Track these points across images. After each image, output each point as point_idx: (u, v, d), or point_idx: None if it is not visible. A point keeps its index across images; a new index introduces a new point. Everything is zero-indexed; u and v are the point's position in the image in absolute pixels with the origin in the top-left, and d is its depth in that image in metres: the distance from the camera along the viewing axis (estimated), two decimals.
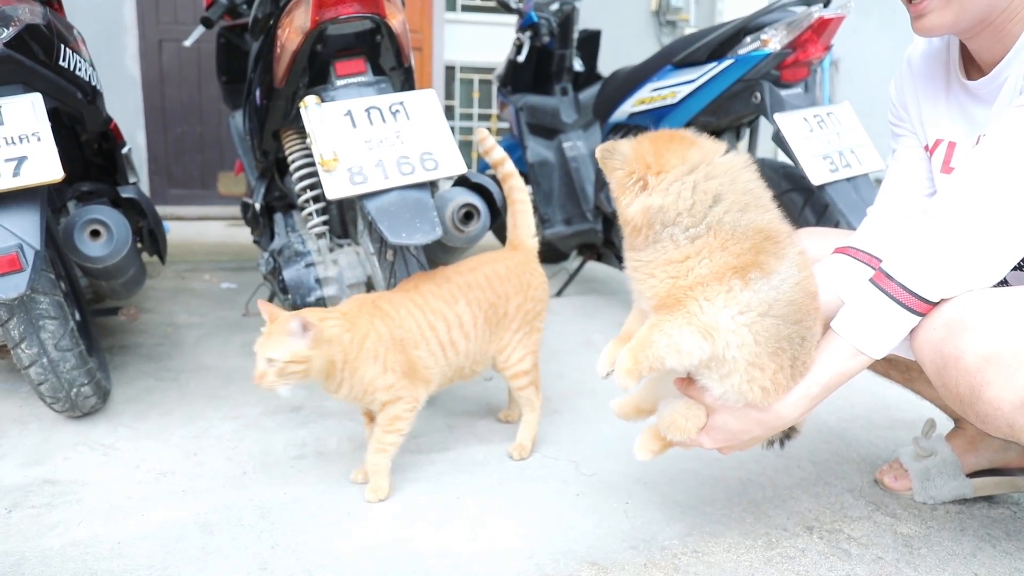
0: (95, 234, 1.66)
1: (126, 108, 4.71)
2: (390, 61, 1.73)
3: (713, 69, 2.10)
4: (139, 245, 2.04)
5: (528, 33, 2.89)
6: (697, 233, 0.97)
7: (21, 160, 1.39)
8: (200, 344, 2.37)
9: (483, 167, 3.55)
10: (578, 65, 3.09)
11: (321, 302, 1.91)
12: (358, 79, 1.65)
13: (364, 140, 1.52)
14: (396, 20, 1.63)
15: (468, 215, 1.67)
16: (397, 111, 1.58)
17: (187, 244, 4.13)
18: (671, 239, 0.98)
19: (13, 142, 1.40)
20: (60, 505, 1.40)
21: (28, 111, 1.45)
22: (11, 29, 1.48)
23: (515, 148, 3.23)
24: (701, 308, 0.97)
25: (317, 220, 1.92)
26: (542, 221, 3.04)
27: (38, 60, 1.57)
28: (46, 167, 1.40)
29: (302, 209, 1.94)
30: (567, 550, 1.25)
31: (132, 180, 2.20)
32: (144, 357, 2.23)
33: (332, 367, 1.32)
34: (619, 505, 1.41)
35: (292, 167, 1.88)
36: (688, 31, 5.31)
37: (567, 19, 2.92)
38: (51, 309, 1.54)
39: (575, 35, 2.98)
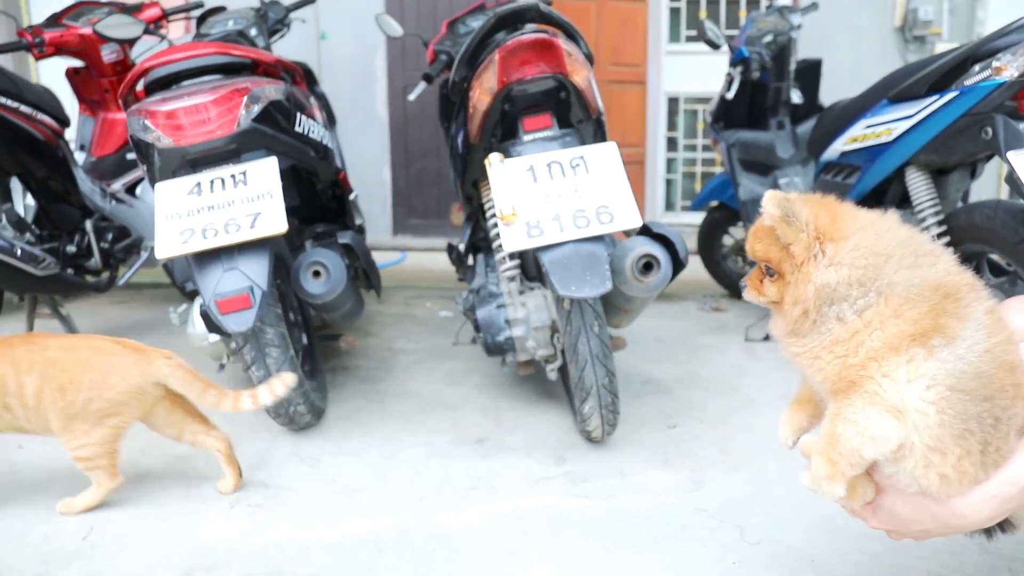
0: (316, 274, 1.93)
1: (375, 147, 5.32)
2: (578, 114, 1.81)
3: (934, 103, 1.90)
4: (356, 281, 2.31)
5: (739, 68, 2.82)
6: (867, 303, 0.87)
7: (257, 216, 1.68)
8: (410, 369, 2.62)
9: (699, 201, 3.51)
10: (796, 97, 2.95)
11: (509, 342, 2.03)
12: (544, 134, 1.76)
13: (544, 194, 1.62)
14: (580, 76, 1.70)
15: (648, 265, 1.69)
16: (577, 165, 1.65)
17: (418, 271, 4.54)
18: (837, 318, 0.88)
19: (252, 200, 1.70)
20: (269, 507, 1.65)
21: (267, 173, 1.75)
22: (258, 106, 1.79)
23: (728, 185, 3.15)
24: (881, 386, 0.85)
25: (509, 264, 2.05)
26: None
27: (279, 129, 1.88)
28: (275, 222, 1.68)
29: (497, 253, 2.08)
30: None
31: (358, 222, 2.52)
32: (360, 378, 2.52)
33: None
34: None
35: (487, 215, 2.03)
36: (940, 47, 4.77)
37: (782, 51, 2.80)
38: (275, 339, 1.82)
39: (792, 66, 2.85)
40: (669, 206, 5.21)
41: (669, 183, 5.21)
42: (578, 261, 1.56)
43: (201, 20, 2.79)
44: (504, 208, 1.58)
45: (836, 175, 2.33)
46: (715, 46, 2.92)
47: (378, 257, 2.78)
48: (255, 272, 1.68)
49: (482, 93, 1.73)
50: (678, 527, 1.54)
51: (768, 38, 2.77)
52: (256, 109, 1.79)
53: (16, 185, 2.43)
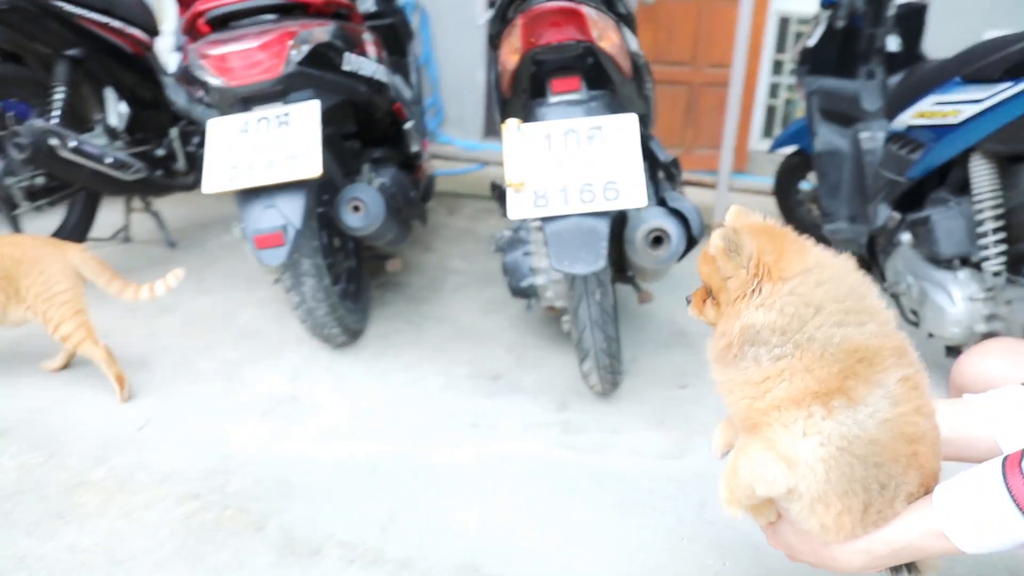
0: (356, 209, 2.09)
1: (471, 48, 5.30)
2: (614, 77, 1.82)
3: (1008, 89, 1.76)
4: (399, 213, 2.43)
5: (827, 12, 2.64)
6: (783, 353, 0.89)
7: (295, 157, 1.83)
8: (455, 293, 2.79)
9: (778, 143, 3.38)
10: (894, 45, 2.74)
11: (532, 288, 2.14)
12: (571, 96, 1.79)
13: (556, 163, 1.68)
14: (607, 42, 1.70)
15: (658, 239, 1.75)
16: (593, 136, 1.69)
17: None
18: (754, 359, 0.91)
19: (293, 142, 1.84)
20: (293, 420, 1.90)
21: (308, 117, 1.88)
22: (306, 47, 1.90)
23: (805, 132, 3.03)
24: (778, 435, 0.90)
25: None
26: (824, 215, 2.86)
27: (327, 69, 2.00)
28: (310, 166, 1.82)
29: None
30: None
31: (414, 149, 2.63)
32: (407, 298, 2.72)
33: None
34: (714, 564, 1.45)
35: None
36: None
37: None
38: (311, 270, 2.01)
39: (891, 11, 2.64)
40: (767, 132, 4.99)
41: (771, 109, 4.97)
42: (577, 236, 1.63)
43: None
44: (513, 177, 1.66)
45: (901, 147, 2.21)
46: None
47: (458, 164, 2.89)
48: (291, 211, 1.85)
49: (510, 52, 1.77)
50: (645, 493, 1.66)
51: None
52: (303, 51, 1.90)
53: (110, 94, 2.69)
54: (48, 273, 1.89)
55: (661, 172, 2.15)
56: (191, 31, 2.01)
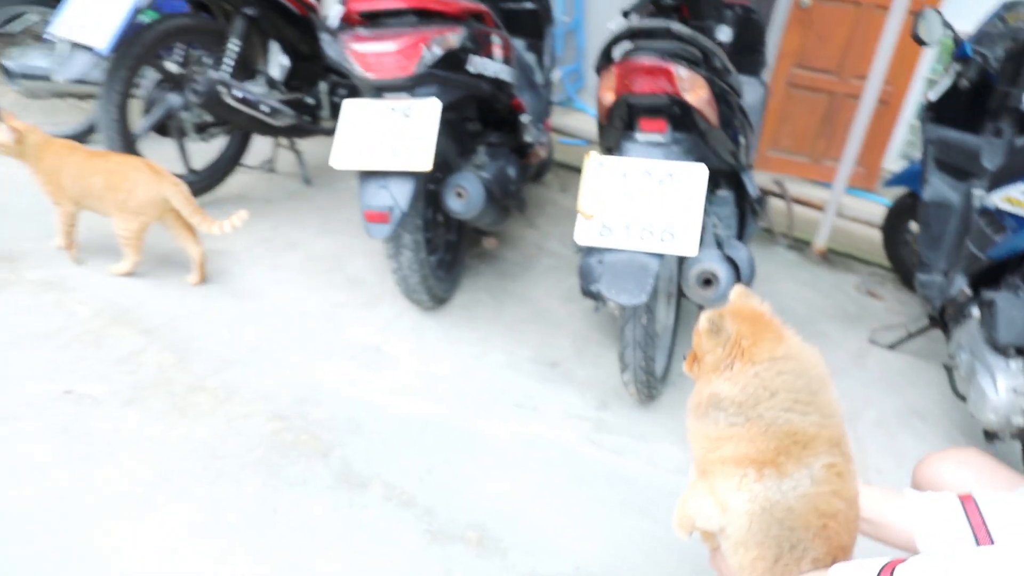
0: (458, 195, 2.39)
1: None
2: (700, 124, 2.00)
3: None
4: (499, 201, 2.70)
5: (957, 67, 2.62)
6: (736, 421, 1.11)
7: (410, 149, 2.14)
8: (543, 275, 3.06)
9: (893, 182, 3.37)
10: None
11: (598, 294, 2.38)
12: (655, 137, 1.99)
13: (627, 200, 1.90)
14: (693, 96, 1.88)
15: (708, 281, 1.96)
16: (664, 180, 1.89)
17: None
18: (714, 421, 1.12)
19: (411, 135, 2.15)
20: (373, 369, 2.27)
21: (428, 114, 2.18)
22: (437, 50, 2.18)
23: (917, 175, 3.03)
24: (718, 485, 1.12)
25: None
26: (920, 263, 2.90)
27: (453, 70, 2.28)
28: (421, 159, 2.13)
29: None
30: None
31: (527, 139, 2.88)
32: (498, 273, 3.02)
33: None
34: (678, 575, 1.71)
35: None
36: None
37: (1022, 52, 2.55)
38: (410, 244, 2.34)
39: None
40: (906, 154, 4.84)
41: (914, 129, 4.80)
42: (629, 270, 1.86)
43: None
44: (586, 207, 1.89)
45: (988, 223, 2.24)
46: (922, 43, 2.70)
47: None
48: (400, 194, 2.18)
49: (607, 90, 1.97)
50: (647, 500, 1.92)
51: (1005, 41, 2.51)
52: (434, 54, 2.19)
53: (274, 48, 3.09)
54: (139, 194, 2.40)
55: (748, 206, 2.32)
56: (345, 18, 2.33)
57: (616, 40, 1.98)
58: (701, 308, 2.47)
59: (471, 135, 2.83)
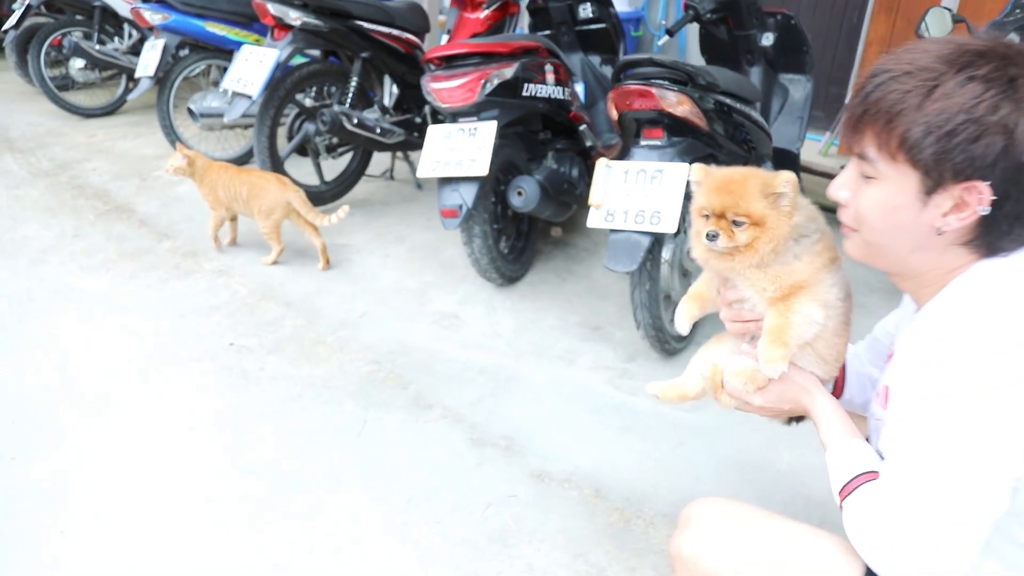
0: (519, 193, 3.09)
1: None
2: (688, 129, 2.58)
3: None
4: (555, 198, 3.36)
5: None
6: (814, 239, 1.26)
7: (474, 160, 2.87)
8: (602, 258, 3.68)
9: None
10: None
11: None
12: (654, 142, 2.59)
13: (626, 192, 2.52)
14: (678, 109, 2.47)
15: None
16: (655, 177, 2.50)
17: None
18: (791, 253, 1.24)
19: (475, 148, 2.88)
20: (451, 329, 3.03)
21: (487, 132, 2.90)
22: (495, 81, 2.90)
23: None
24: (820, 288, 1.25)
25: None
26: None
27: (509, 96, 2.99)
28: (481, 167, 2.85)
29: None
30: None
31: (588, 144, 3.53)
32: (566, 256, 3.69)
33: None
34: (661, 481, 2.31)
35: None
36: None
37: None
38: (480, 233, 3.07)
39: None
40: None
41: None
42: (626, 245, 2.47)
43: None
44: (595, 199, 2.53)
45: None
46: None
47: None
48: (467, 195, 2.91)
49: (611, 108, 2.60)
50: (646, 427, 2.52)
51: None
52: (492, 85, 2.91)
53: (387, 80, 3.95)
54: (269, 199, 3.28)
55: None
56: (427, 61, 3.10)
57: (619, 70, 2.60)
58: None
59: (541, 143, 3.53)
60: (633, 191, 2.52)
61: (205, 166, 3.43)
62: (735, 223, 1.23)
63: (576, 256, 3.69)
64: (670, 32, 3.41)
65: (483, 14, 4.01)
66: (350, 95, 3.78)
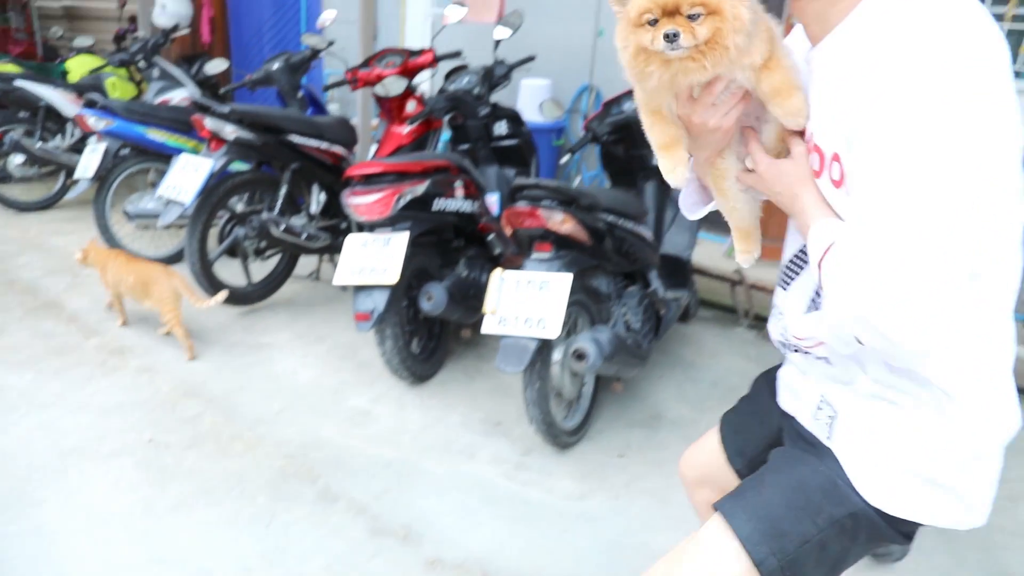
0: (429, 298, 3.43)
1: None
2: (574, 243, 2.98)
3: None
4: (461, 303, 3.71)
5: None
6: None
7: (386, 269, 3.21)
8: None
9: None
10: None
11: None
12: (543, 255, 2.97)
13: (517, 300, 2.88)
14: (563, 227, 2.86)
15: (580, 355, 2.89)
16: (542, 286, 2.87)
17: None
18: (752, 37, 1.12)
19: (387, 257, 3.22)
20: (363, 426, 3.29)
21: (399, 243, 3.25)
22: (407, 198, 3.28)
23: None
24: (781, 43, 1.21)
25: None
26: None
27: (419, 210, 3.37)
28: (391, 275, 3.19)
29: None
30: None
31: (497, 251, 3.92)
32: (476, 355, 4.01)
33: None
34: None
35: None
36: None
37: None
38: (391, 334, 3.38)
39: None
40: None
41: None
42: (515, 349, 2.80)
43: (447, 76, 4.35)
44: (489, 306, 2.88)
45: None
46: None
47: None
48: (379, 301, 3.23)
49: (505, 225, 3.00)
50: (535, 516, 2.80)
51: None
52: (405, 200, 3.29)
53: (315, 189, 4.32)
54: (163, 286, 3.63)
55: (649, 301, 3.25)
56: (347, 177, 3.47)
57: (512, 192, 3.01)
58: (614, 378, 3.37)
59: (455, 250, 3.91)
60: (523, 299, 2.88)
61: (98, 254, 3.90)
62: (690, 17, 1.09)
63: (485, 355, 4.01)
64: (571, 151, 3.87)
65: (407, 129, 4.44)
66: (279, 202, 4.12)
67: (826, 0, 1.12)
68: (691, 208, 1.59)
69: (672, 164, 1.32)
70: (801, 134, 1.22)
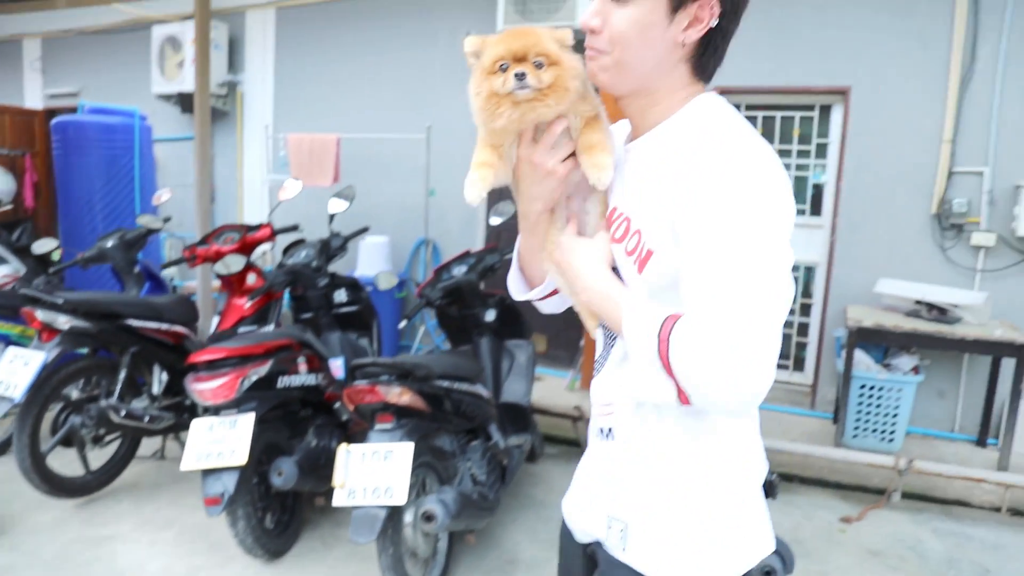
0: (279, 474, 3.55)
1: None
2: (413, 412, 3.25)
3: None
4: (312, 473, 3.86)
5: None
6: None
7: (233, 451, 3.33)
8: None
9: None
10: None
11: None
12: (386, 426, 3.22)
13: (364, 472, 3.09)
14: (401, 399, 3.15)
15: (429, 517, 3.11)
16: (387, 456, 3.10)
17: None
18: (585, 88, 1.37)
19: (234, 439, 3.35)
20: None
21: (245, 424, 3.40)
22: (252, 379, 3.45)
23: None
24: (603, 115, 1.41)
25: None
26: None
27: (264, 390, 3.54)
28: (239, 456, 3.31)
29: None
30: None
31: (344, 417, 4.12)
32: (332, 522, 4.11)
33: None
34: None
35: None
36: (978, 236, 5.32)
37: None
38: (243, 513, 3.46)
39: None
40: None
41: None
42: (366, 519, 2.99)
43: (285, 250, 4.63)
44: (337, 480, 3.07)
45: None
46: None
47: None
48: (229, 483, 3.33)
49: (347, 403, 3.26)
50: None
51: None
52: (249, 382, 3.46)
53: (156, 370, 4.38)
54: None
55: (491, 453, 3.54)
56: (190, 364, 3.61)
57: (351, 371, 3.28)
58: (466, 531, 3.60)
59: (303, 420, 4.07)
60: (369, 470, 3.09)
61: None
62: (536, 65, 1.30)
63: (341, 521, 4.13)
64: (407, 318, 4.21)
65: (248, 303, 4.64)
66: (119, 387, 4.15)
67: (648, 100, 1.34)
68: (519, 290, 1.68)
69: (478, 178, 1.40)
70: (609, 223, 1.40)
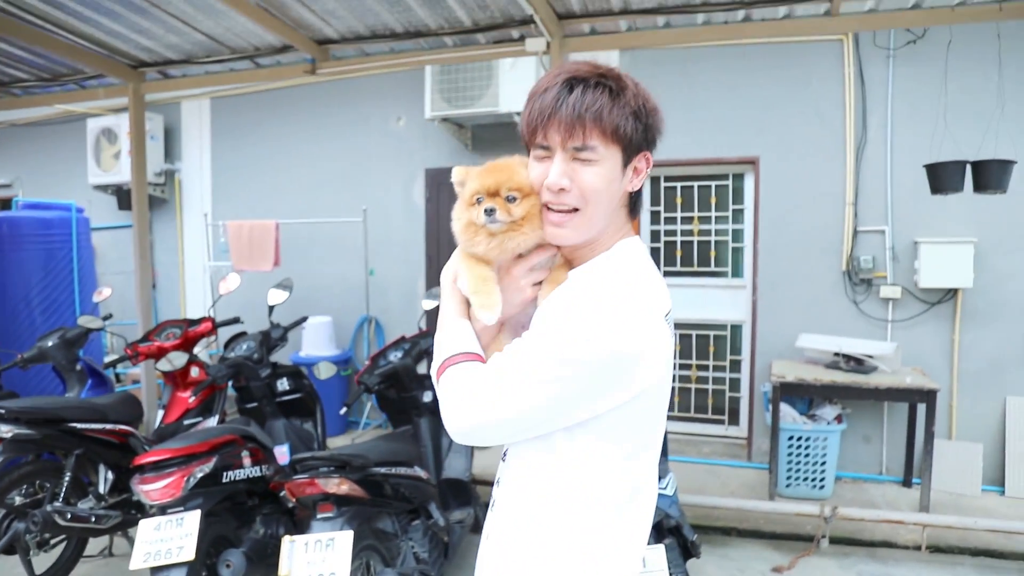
0: (228, 566, 3.75)
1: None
2: (354, 500, 3.51)
3: None
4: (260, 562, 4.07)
5: None
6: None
7: (181, 548, 3.54)
8: None
9: None
10: None
11: None
12: (327, 515, 3.47)
13: (308, 561, 3.32)
14: (340, 488, 3.41)
15: None
16: (328, 544, 3.35)
17: None
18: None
19: (182, 536, 3.55)
20: None
21: (192, 521, 3.61)
22: (197, 478, 3.67)
23: None
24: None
25: None
26: None
27: (210, 486, 3.77)
28: (187, 552, 3.51)
29: None
30: None
31: (289, 505, 4.33)
32: None
33: None
34: None
35: None
36: (886, 289, 5.81)
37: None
38: None
39: None
40: None
41: None
42: None
43: (227, 343, 4.88)
44: (283, 571, 3.30)
45: None
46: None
47: None
48: None
49: (290, 496, 3.52)
50: None
51: None
52: (195, 479, 3.69)
53: (102, 469, 4.56)
54: None
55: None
56: (136, 465, 3.81)
57: (292, 465, 3.54)
58: None
59: (250, 509, 4.28)
60: (313, 559, 3.33)
61: None
62: (508, 199, 1.44)
63: None
64: (347, 405, 4.48)
65: (192, 397, 4.86)
66: (63, 489, 4.31)
67: (592, 248, 1.52)
68: None
69: (490, 302, 1.48)
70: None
